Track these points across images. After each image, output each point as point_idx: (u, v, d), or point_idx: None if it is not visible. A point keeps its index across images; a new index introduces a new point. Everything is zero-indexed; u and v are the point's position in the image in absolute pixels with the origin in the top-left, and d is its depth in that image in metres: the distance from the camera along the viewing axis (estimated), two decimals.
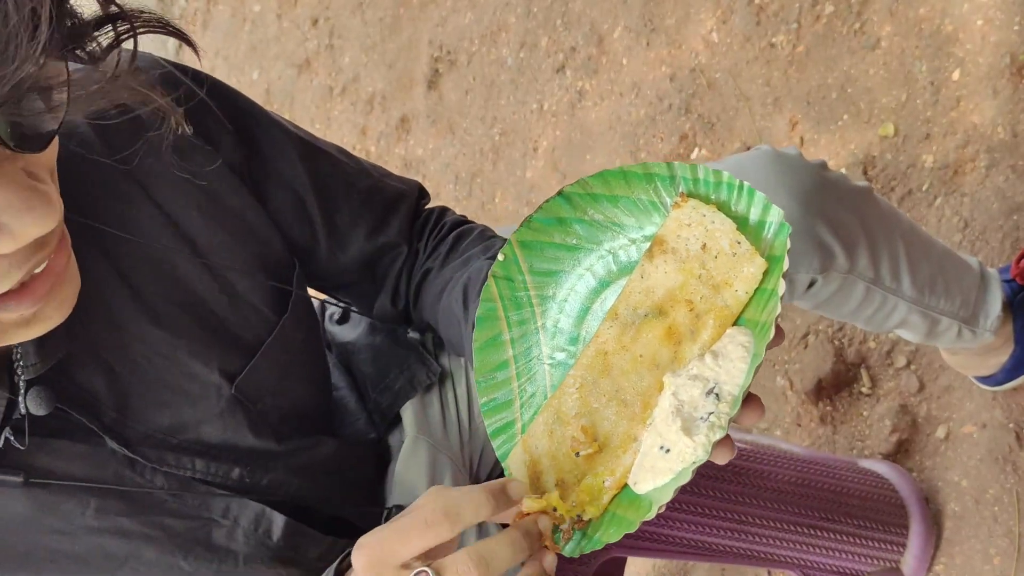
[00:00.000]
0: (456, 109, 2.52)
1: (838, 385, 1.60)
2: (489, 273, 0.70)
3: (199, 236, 0.81)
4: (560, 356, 0.68)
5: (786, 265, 0.57)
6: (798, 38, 1.82)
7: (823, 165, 1.03)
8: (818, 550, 1.33)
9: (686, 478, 0.55)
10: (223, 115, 0.83)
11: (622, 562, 1.26)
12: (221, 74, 3.46)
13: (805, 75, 1.79)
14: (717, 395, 0.55)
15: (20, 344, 0.69)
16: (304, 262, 0.91)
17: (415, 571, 0.59)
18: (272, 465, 0.85)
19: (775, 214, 0.60)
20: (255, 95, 3.14)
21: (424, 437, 0.98)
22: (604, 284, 0.67)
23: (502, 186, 2.34)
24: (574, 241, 0.68)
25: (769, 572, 1.59)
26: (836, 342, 1.62)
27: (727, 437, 0.56)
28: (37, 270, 0.56)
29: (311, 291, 0.96)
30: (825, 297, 1.06)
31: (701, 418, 0.55)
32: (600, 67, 2.17)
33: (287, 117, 3.05)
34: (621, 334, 0.63)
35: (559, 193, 0.67)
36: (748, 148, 1.84)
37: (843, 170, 1.67)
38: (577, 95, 2.21)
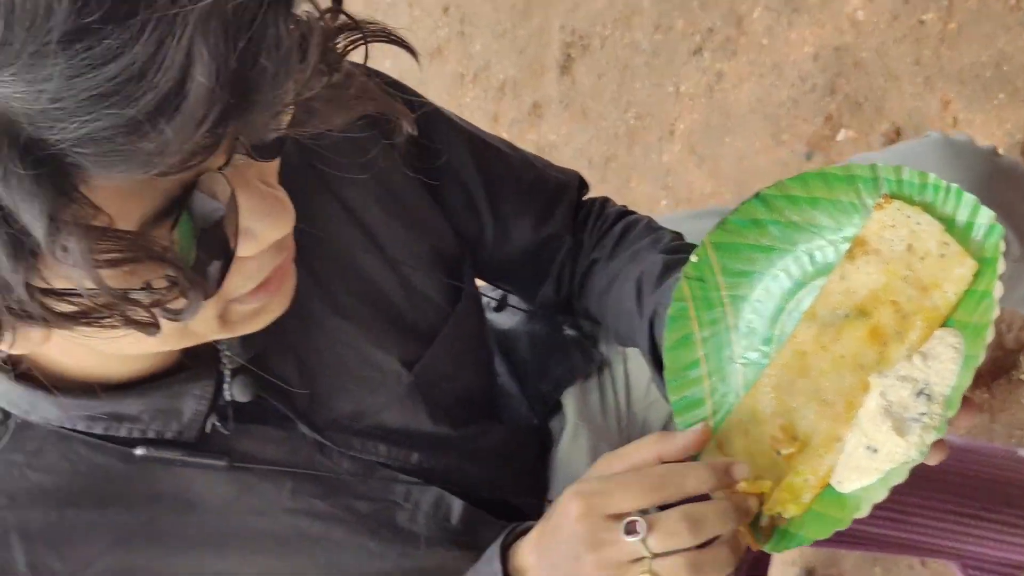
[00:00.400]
0: (589, 94, 2.52)
1: (996, 372, 1.55)
2: (681, 274, 0.72)
3: (378, 230, 0.85)
4: (753, 356, 0.69)
5: (1001, 268, 0.57)
6: (949, 15, 1.75)
7: (994, 151, 1.00)
8: (978, 540, 1.30)
9: (900, 478, 0.56)
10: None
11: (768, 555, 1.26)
12: None
13: (957, 53, 1.73)
14: (928, 396, 0.56)
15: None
16: (471, 253, 0.94)
17: (627, 520, 0.62)
18: (448, 451, 0.89)
19: (985, 216, 0.59)
20: None
21: (584, 424, 1.00)
22: (799, 285, 0.68)
23: (637, 171, 2.34)
24: (769, 242, 0.68)
25: (923, 562, 1.56)
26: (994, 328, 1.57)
27: (941, 439, 0.57)
28: None
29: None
30: None
31: (913, 419, 0.56)
32: (739, 48, 2.14)
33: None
34: (820, 334, 0.64)
35: (756, 195, 0.68)
36: (897, 129, 1.79)
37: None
38: (715, 77, 2.19)
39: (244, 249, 0.55)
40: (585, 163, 2.48)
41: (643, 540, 0.62)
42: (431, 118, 0.89)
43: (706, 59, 2.22)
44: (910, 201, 0.62)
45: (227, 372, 0.75)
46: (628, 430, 1.06)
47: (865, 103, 1.86)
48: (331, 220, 0.82)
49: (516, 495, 0.96)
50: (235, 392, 0.76)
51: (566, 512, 0.65)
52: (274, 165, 0.58)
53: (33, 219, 0.43)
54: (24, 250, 0.44)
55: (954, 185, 0.61)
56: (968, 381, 0.56)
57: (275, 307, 0.64)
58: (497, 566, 0.71)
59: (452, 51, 3.05)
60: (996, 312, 0.57)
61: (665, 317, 0.75)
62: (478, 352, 0.98)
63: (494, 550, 0.73)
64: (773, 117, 2.02)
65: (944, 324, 0.60)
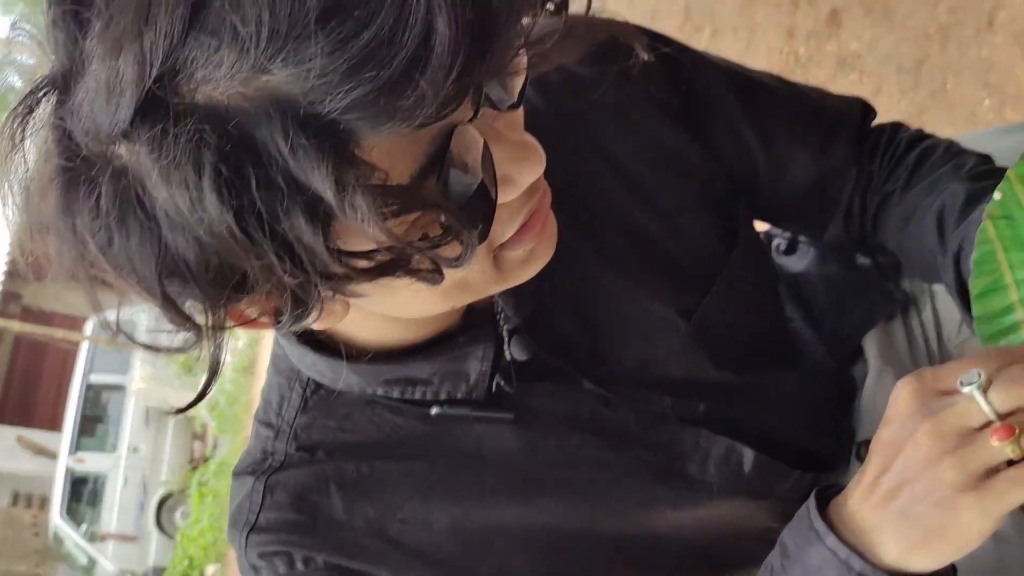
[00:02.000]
0: None
1: None
2: (984, 215, 0.65)
3: (644, 179, 0.83)
4: None
5: None
6: None
7: None
8: None
9: None
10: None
11: None
12: None
13: None
14: None
15: (500, 298, 0.77)
16: (747, 194, 0.90)
17: (966, 373, 0.57)
18: (735, 399, 0.86)
19: None
20: (674, 12, 3.14)
21: (890, 367, 0.93)
22: None
23: (954, 70, 2.11)
24: None
25: None
26: None
27: None
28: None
29: (756, 222, 0.94)
30: None
31: None
32: None
33: (708, 30, 3.01)
34: None
35: None
36: None
37: None
38: None
39: (504, 195, 0.57)
40: (894, 68, 2.28)
41: (983, 391, 0.57)
42: (683, 58, 0.86)
43: None
44: None
45: (505, 332, 0.78)
46: None
47: None
48: (595, 174, 0.82)
49: (814, 441, 0.92)
50: (515, 351, 0.78)
51: (897, 396, 0.62)
52: (518, 115, 0.60)
53: (322, 183, 0.47)
54: (319, 215, 0.49)
55: None
56: None
57: (542, 252, 0.66)
58: (814, 512, 0.66)
59: None
60: None
61: (971, 256, 0.68)
62: (763, 297, 0.94)
63: (809, 503, 0.69)
64: None
65: None
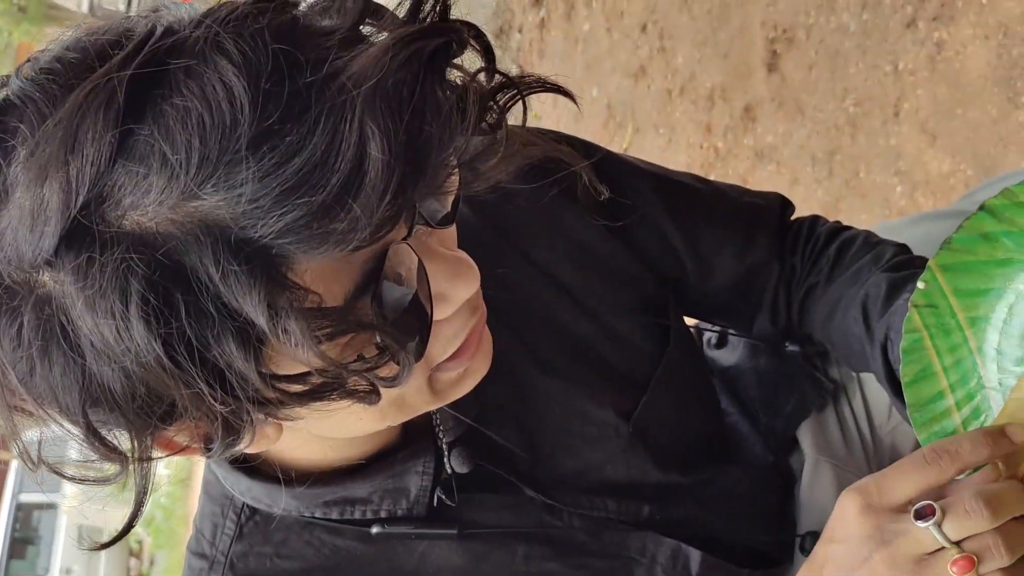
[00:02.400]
0: (801, 88, 2.41)
1: None
2: (910, 304, 0.67)
3: (574, 285, 0.84)
4: (1008, 380, 0.63)
5: None
6: None
7: None
8: None
9: None
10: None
11: None
12: None
13: None
14: None
15: (438, 410, 0.77)
16: (676, 292, 0.92)
17: (917, 505, 0.58)
18: (681, 499, 0.87)
19: None
20: (597, 111, 3.23)
21: (825, 458, 0.95)
22: None
23: (865, 160, 2.20)
24: (1004, 255, 0.62)
25: None
26: None
27: None
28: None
29: (686, 318, 0.96)
30: None
31: None
32: (956, 12, 1.98)
33: (630, 128, 3.10)
34: None
35: (981, 208, 0.62)
36: None
37: None
38: (935, 47, 2.02)
39: (439, 312, 0.57)
40: (808, 160, 2.37)
41: (938, 525, 0.58)
42: (608, 165, 0.88)
43: (922, 30, 2.06)
44: None
45: (444, 445, 0.77)
46: (875, 459, 0.99)
47: None
48: (526, 283, 0.83)
49: (758, 536, 0.92)
50: (455, 464, 0.78)
51: (843, 512, 0.62)
52: (452, 232, 0.60)
53: (254, 309, 0.46)
54: (251, 340, 0.47)
55: None
56: None
57: (477, 368, 0.65)
58: None
59: (655, 68, 3.02)
60: None
61: (898, 344, 0.70)
62: (699, 393, 0.95)
63: None
64: (1006, 81, 1.84)
65: None
